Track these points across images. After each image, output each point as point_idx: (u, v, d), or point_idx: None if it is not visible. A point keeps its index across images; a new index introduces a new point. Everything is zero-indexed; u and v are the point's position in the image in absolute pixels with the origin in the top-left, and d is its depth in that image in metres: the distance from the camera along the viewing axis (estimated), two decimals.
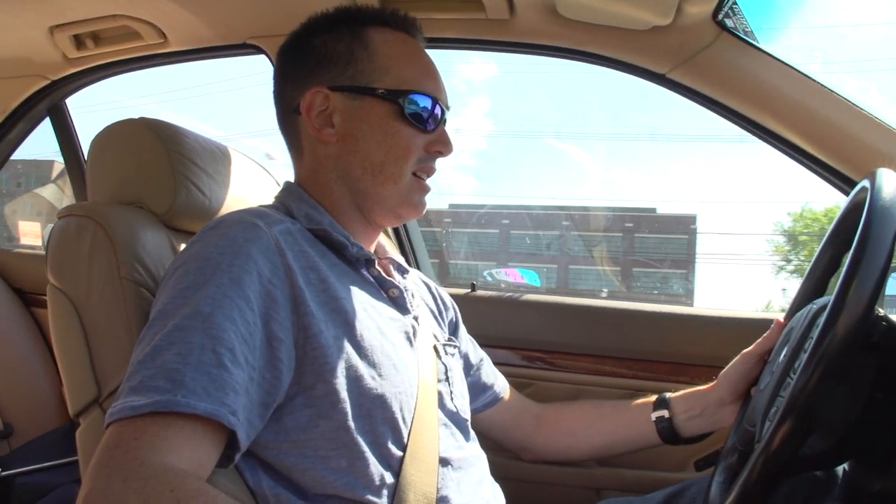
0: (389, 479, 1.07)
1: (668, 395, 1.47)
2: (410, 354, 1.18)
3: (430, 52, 1.27)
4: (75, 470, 0.86)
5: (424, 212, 1.25)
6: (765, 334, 1.35)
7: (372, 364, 1.07)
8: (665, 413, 1.44)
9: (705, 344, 1.81)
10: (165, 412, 0.85)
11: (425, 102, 1.18)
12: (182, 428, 0.85)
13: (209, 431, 0.88)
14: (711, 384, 1.41)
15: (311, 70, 1.19)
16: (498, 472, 1.33)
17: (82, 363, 1.13)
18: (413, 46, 1.24)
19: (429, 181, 1.24)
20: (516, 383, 1.63)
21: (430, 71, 1.24)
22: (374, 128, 1.17)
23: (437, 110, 1.20)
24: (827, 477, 1.16)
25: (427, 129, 1.19)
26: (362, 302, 1.12)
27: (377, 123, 1.17)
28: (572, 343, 1.93)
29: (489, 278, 2.30)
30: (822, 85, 1.54)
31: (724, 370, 1.39)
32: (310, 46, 1.21)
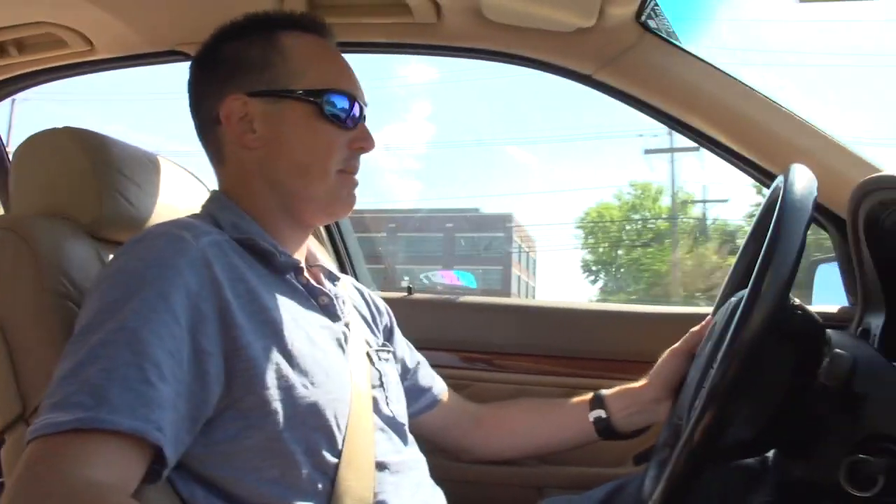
0: (325, 486, 1.07)
1: (603, 392, 1.49)
2: (342, 361, 1.18)
3: (357, 56, 1.28)
4: (0, 489, 0.84)
5: (354, 206, 1.26)
6: (692, 329, 1.39)
7: (303, 373, 1.07)
8: (602, 412, 1.46)
9: (638, 340, 1.84)
10: (88, 429, 0.84)
11: (343, 101, 1.19)
12: (106, 444, 0.84)
13: (134, 448, 0.87)
14: (644, 382, 1.44)
15: (225, 78, 1.19)
16: (438, 475, 1.33)
17: (5, 378, 1.10)
18: (325, 47, 1.25)
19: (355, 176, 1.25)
20: (455, 385, 1.63)
21: (345, 70, 1.25)
22: (296, 129, 1.17)
23: (356, 108, 1.21)
24: (760, 469, 1.19)
25: (348, 127, 1.20)
26: (291, 311, 1.12)
27: (298, 125, 1.17)
28: (510, 343, 1.94)
29: (425, 281, 2.31)
30: (743, 83, 1.58)
31: (655, 368, 1.43)
32: (222, 55, 1.21)
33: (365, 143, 1.23)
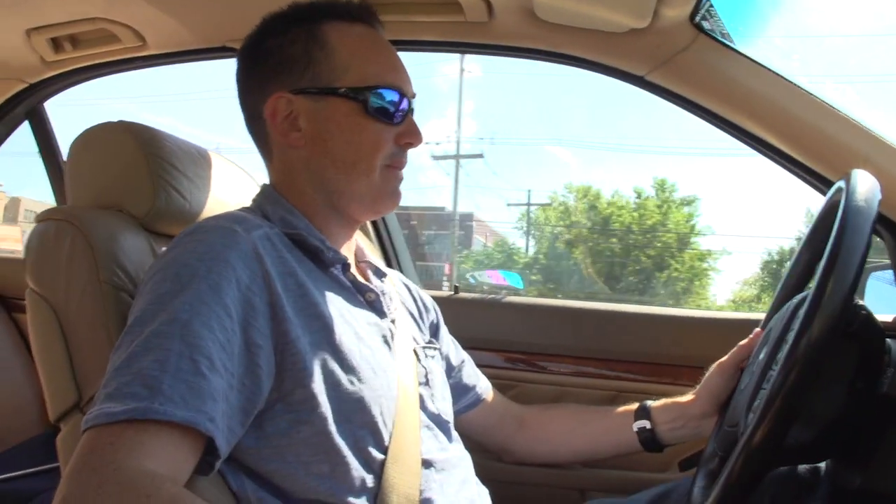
0: (371, 482, 1.07)
1: (649, 404, 1.48)
2: (389, 358, 1.18)
3: (409, 54, 1.27)
4: (57, 476, 0.85)
5: (400, 201, 1.25)
6: (740, 343, 1.37)
7: (349, 369, 1.07)
8: (647, 424, 1.46)
9: (687, 344, 1.83)
10: (142, 419, 0.84)
11: (391, 96, 1.18)
12: (158, 434, 0.85)
13: (186, 438, 0.87)
14: (692, 397, 1.42)
15: (269, 75, 1.18)
16: (482, 474, 1.33)
17: (62, 368, 1.12)
18: (372, 38, 1.22)
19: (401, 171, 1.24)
20: (500, 385, 1.63)
21: (393, 62, 1.22)
22: (341, 127, 1.16)
23: (403, 102, 1.20)
24: (811, 478, 1.17)
25: (395, 122, 1.19)
26: (339, 307, 1.12)
27: (343, 122, 1.16)
28: (555, 344, 1.94)
29: (472, 280, 2.31)
30: (798, 86, 1.55)
31: (702, 382, 1.41)
32: (265, 51, 1.20)
33: (412, 137, 1.21)
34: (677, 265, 28.29)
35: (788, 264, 1.34)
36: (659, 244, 28.83)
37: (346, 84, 1.16)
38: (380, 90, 1.17)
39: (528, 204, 30.92)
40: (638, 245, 29.36)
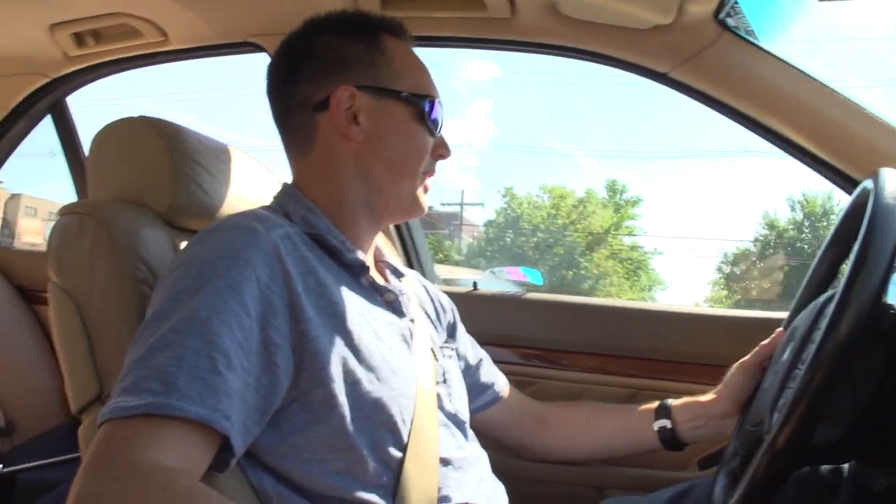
0: (390, 480, 1.07)
1: (670, 402, 1.47)
2: (408, 357, 1.18)
3: (431, 49, 1.28)
4: (77, 467, 0.86)
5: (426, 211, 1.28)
6: (762, 343, 1.37)
7: (369, 368, 1.08)
8: (667, 423, 1.45)
9: (707, 343, 1.81)
10: (158, 414, 0.85)
11: (436, 108, 1.23)
12: (174, 430, 0.85)
13: (201, 435, 0.88)
14: (713, 396, 1.42)
15: (331, 68, 1.20)
16: (500, 470, 1.33)
17: (84, 360, 1.13)
18: (415, 55, 1.28)
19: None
20: (518, 382, 1.63)
21: (432, 79, 1.28)
22: (397, 128, 1.20)
23: (443, 117, 1.25)
24: (833, 479, 1.16)
25: (436, 133, 1.24)
26: (359, 307, 1.13)
27: (400, 124, 1.20)
28: (574, 341, 1.93)
29: (492, 276, 2.31)
30: (824, 84, 1.54)
31: (724, 382, 1.40)
32: (323, 45, 1.22)
33: (444, 150, 1.27)
34: (586, 263, 29.05)
35: (813, 263, 1.32)
36: (568, 243, 29.69)
37: (404, 89, 1.20)
38: (429, 102, 1.22)
39: (461, 203, 32.65)
40: (548, 244, 30.57)
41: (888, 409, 1.00)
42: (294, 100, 1.22)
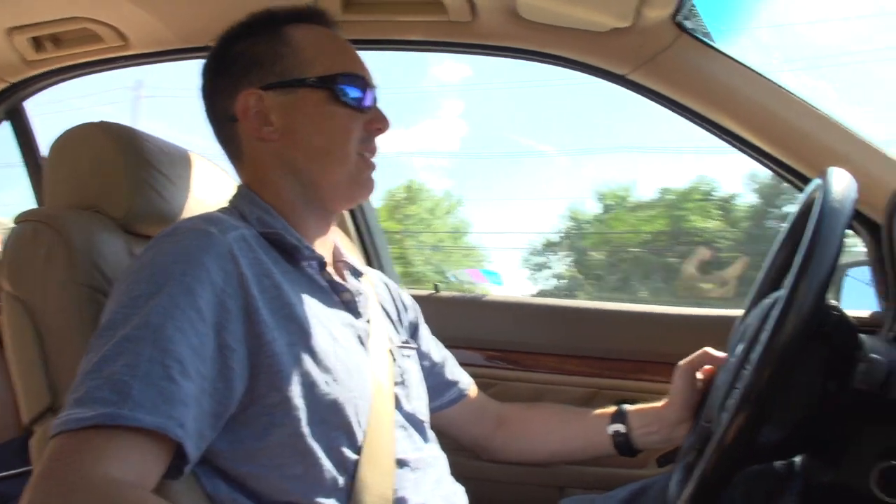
0: (345, 482, 1.07)
1: (626, 407, 1.48)
2: (364, 358, 1.18)
3: (394, 53, 1.28)
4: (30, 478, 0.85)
5: (374, 190, 1.27)
6: (705, 348, 1.39)
7: (325, 370, 1.07)
8: (622, 427, 1.46)
9: (666, 341, 1.84)
10: (111, 425, 0.84)
11: (356, 83, 1.20)
12: (127, 440, 0.85)
13: (156, 444, 0.87)
14: (666, 402, 1.43)
15: (238, 76, 1.20)
16: (460, 472, 1.33)
17: (36, 370, 1.12)
18: (332, 36, 1.26)
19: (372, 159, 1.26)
20: (480, 383, 1.63)
21: (354, 55, 1.26)
22: (312, 116, 1.19)
23: (369, 90, 1.22)
24: (785, 473, 1.18)
25: (362, 109, 1.21)
26: (314, 308, 1.12)
27: (314, 112, 1.19)
28: (535, 342, 1.94)
29: (452, 279, 2.32)
30: (779, 85, 1.56)
31: (672, 388, 1.41)
32: (232, 55, 1.22)
33: (381, 123, 1.24)
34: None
35: (766, 261, 1.34)
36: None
37: (313, 74, 1.19)
38: (345, 79, 1.20)
39: None
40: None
41: (831, 409, 1.02)
42: (216, 115, 1.24)
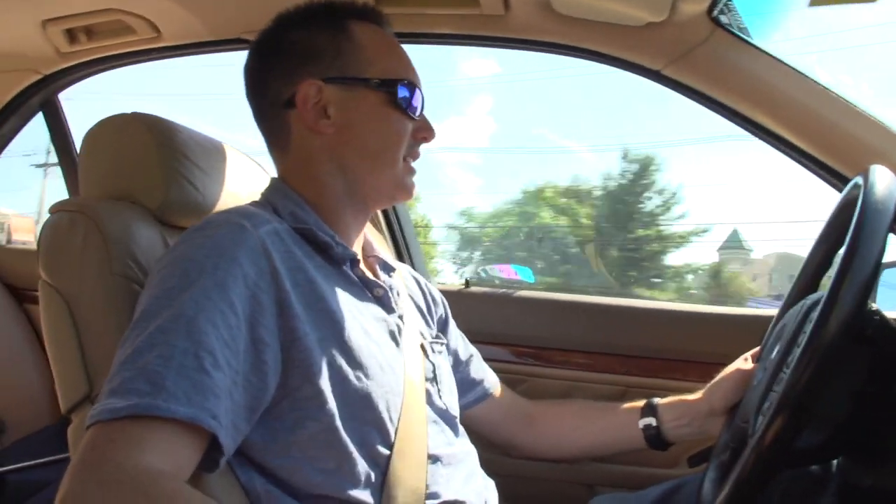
0: (377, 477, 1.07)
1: (656, 401, 1.48)
2: (396, 354, 1.18)
3: (423, 46, 1.28)
4: (67, 467, 0.86)
5: (414, 194, 1.27)
6: (750, 352, 1.38)
7: (358, 365, 1.07)
8: (653, 421, 1.45)
9: (698, 341, 1.82)
10: (145, 415, 0.84)
11: (412, 91, 1.21)
12: (161, 431, 0.85)
13: (189, 435, 0.88)
14: (700, 395, 1.42)
15: (297, 63, 1.19)
16: (489, 468, 1.33)
17: (74, 359, 1.12)
18: (389, 38, 1.27)
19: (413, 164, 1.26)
20: (509, 380, 1.63)
21: (409, 61, 1.27)
22: (370, 116, 1.19)
23: (421, 98, 1.23)
24: (822, 473, 1.17)
25: (415, 116, 1.22)
26: (347, 303, 1.12)
27: (372, 112, 1.19)
28: (565, 339, 1.93)
29: (483, 274, 2.31)
30: (816, 82, 1.54)
31: (714, 381, 1.40)
32: (291, 40, 1.21)
33: (428, 132, 1.25)
34: None
35: (804, 258, 1.33)
36: None
37: (374, 76, 1.19)
38: (403, 85, 1.20)
39: None
40: None
41: (871, 413, 1.00)
42: (267, 100, 1.23)
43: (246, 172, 1.45)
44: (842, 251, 0.93)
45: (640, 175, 18.87)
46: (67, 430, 1.12)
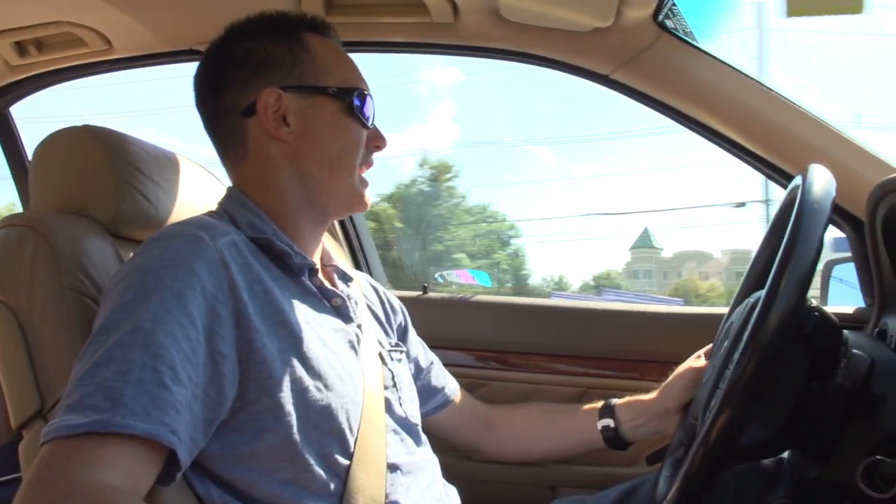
0: (337, 487, 1.07)
1: (614, 402, 1.50)
2: (355, 363, 1.18)
3: (376, 55, 1.29)
4: (18, 485, 0.85)
5: (369, 205, 1.28)
6: (703, 349, 1.42)
7: (317, 376, 1.08)
8: (611, 422, 1.48)
9: (654, 340, 1.85)
10: (103, 432, 0.84)
11: (363, 100, 1.23)
12: (119, 447, 0.85)
13: (148, 450, 0.87)
14: (655, 395, 1.45)
15: (254, 71, 1.20)
16: (452, 473, 1.34)
17: (25, 374, 1.11)
18: (341, 50, 1.29)
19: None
20: (469, 384, 1.64)
21: (360, 72, 1.28)
22: (328, 124, 1.20)
23: (373, 108, 1.25)
24: (775, 469, 1.19)
25: (368, 125, 1.24)
26: (305, 314, 1.12)
27: (330, 120, 1.20)
28: (524, 342, 1.94)
29: (440, 280, 2.31)
30: (760, 83, 1.58)
31: (668, 381, 1.44)
32: (247, 48, 1.21)
33: (380, 140, 1.27)
34: None
35: (752, 257, 1.35)
36: None
37: (331, 84, 1.20)
38: (357, 94, 1.22)
39: None
40: None
41: (816, 408, 1.03)
42: (222, 108, 1.22)
43: (200, 183, 1.44)
44: (779, 252, 0.94)
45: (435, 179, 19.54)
46: (19, 447, 1.11)
